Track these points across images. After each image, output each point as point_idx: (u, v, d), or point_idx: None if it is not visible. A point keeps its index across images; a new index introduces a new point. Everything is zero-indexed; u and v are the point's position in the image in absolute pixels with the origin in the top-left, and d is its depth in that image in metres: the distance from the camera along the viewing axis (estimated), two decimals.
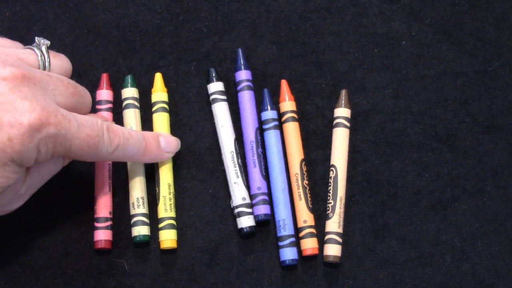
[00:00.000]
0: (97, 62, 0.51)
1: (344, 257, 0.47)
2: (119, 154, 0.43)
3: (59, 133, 0.39)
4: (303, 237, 0.47)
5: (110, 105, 0.49)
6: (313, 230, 0.47)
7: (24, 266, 0.46)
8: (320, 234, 0.47)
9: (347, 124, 0.49)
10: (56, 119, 0.39)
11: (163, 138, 0.46)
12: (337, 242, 0.47)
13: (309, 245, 0.46)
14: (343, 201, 0.47)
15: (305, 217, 0.47)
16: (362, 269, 0.47)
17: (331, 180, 0.48)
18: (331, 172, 0.48)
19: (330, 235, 0.47)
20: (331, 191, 0.48)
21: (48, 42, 0.44)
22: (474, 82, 0.52)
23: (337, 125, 0.49)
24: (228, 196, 0.48)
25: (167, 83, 0.50)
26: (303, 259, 0.47)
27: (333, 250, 0.46)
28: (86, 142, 0.41)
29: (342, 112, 0.49)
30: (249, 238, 0.48)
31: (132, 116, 0.49)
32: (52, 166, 0.42)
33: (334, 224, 0.47)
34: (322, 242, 0.47)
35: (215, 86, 0.50)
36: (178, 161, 0.49)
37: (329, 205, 0.47)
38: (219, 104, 0.49)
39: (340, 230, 0.47)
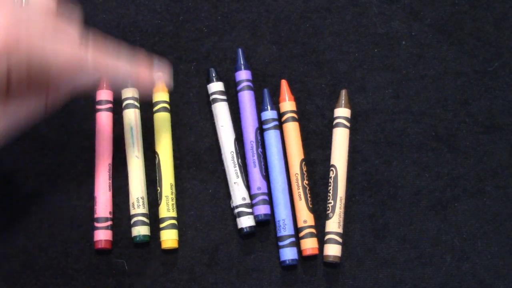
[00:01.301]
0: None
1: (344, 257, 0.47)
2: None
3: (32, 54, 0.36)
4: (303, 237, 0.47)
5: (110, 105, 0.49)
6: (313, 230, 0.47)
7: (24, 266, 0.46)
8: (320, 234, 0.47)
9: (347, 124, 0.49)
10: (28, 41, 0.36)
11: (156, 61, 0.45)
12: (337, 242, 0.47)
13: (309, 245, 0.46)
14: (343, 201, 0.47)
15: (305, 217, 0.47)
16: (362, 269, 0.47)
17: (331, 180, 0.48)
18: (331, 172, 0.48)
19: (330, 235, 0.47)
20: (331, 191, 0.48)
21: None
22: (474, 82, 0.52)
23: (337, 125, 0.49)
24: (228, 196, 0.48)
25: None
26: (303, 259, 0.47)
27: (333, 250, 0.46)
28: (67, 63, 0.38)
29: (342, 112, 0.49)
30: (249, 238, 0.48)
31: (132, 116, 0.49)
32: (24, 105, 0.39)
33: (334, 224, 0.47)
34: (322, 242, 0.47)
35: (215, 86, 0.50)
36: (178, 161, 0.49)
37: (329, 205, 0.47)
38: (219, 104, 0.49)
39: (340, 230, 0.47)
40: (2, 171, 0.48)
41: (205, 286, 0.46)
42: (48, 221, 0.47)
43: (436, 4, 0.53)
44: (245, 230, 0.47)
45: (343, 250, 0.47)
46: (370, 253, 0.47)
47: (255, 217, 0.47)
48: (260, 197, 0.47)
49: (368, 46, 0.52)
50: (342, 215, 0.47)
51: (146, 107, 0.50)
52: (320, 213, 0.48)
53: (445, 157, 0.50)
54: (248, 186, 0.48)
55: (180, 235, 0.47)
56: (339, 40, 0.52)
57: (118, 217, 0.48)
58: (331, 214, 0.47)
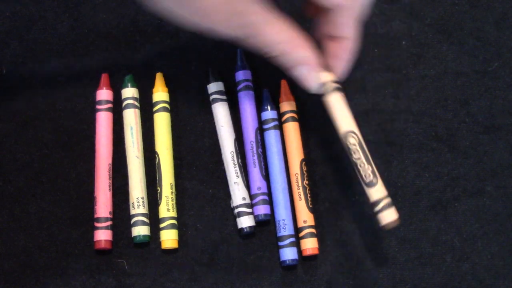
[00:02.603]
0: (97, 62, 0.51)
1: (344, 257, 0.47)
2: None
3: None
4: (303, 237, 0.47)
5: (110, 105, 0.49)
6: (313, 230, 0.47)
7: (24, 266, 0.46)
8: (320, 234, 0.47)
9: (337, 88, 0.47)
10: None
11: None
12: (391, 205, 0.43)
13: (309, 245, 0.46)
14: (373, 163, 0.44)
15: (305, 217, 0.47)
16: (362, 269, 0.47)
17: (357, 147, 0.43)
18: (352, 139, 0.44)
19: (383, 202, 0.43)
20: (360, 157, 0.43)
21: None
22: (474, 82, 0.52)
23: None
24: (228, 196, 0.48)
25: (167, 83, 0.50)
26: (303, 259, 0.47)
27: (390, 215, 0.43)
28: None
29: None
30: (249, 238, 0.48)
31: (132, 116, 0.49)
32: None
33: (381, 189, 0.43)
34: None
35: (215, 86, 0.50)
36: (178, 161, 0.49)
37: (368, 171, 0.43)
38: (219, 104, 0.49)
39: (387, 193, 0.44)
40: (2, 171, 0.48)
41: (205, 286, 0.46)
42: (48, 221, 0.47)
43: (436, 4, 0.53)
44: (245, 230, 0.47)
45: (343, 250, 0.47)
46: (370, 253, 0.47)
47: (255, 217, 0.47)
48: (260, 197, 0.47)
49: (368, 46, 0.52)
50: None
51: (146, 107, 0.50)
52: (320, 213, 0.48)
53: (445, 157, 0.50)
54: (248, 186, 0.48)
55: (180, 235, 0.47)
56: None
57: (118, 217, 0.48)
58: (374, 180, 0.43)
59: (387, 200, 0.43)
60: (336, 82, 0.44)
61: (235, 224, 0.47)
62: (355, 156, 0.43)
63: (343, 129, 0.44)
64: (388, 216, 0.43)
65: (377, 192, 0.43)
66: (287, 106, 0.49)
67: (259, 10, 0.41)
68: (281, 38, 0.43)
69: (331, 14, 0.43)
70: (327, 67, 0.44)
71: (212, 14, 0.40)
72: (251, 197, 0.47)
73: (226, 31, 0.42)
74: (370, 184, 0.43)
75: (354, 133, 0.44)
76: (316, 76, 0.44)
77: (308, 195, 0.47)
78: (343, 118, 0.44)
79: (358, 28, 0.44)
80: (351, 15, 0.43)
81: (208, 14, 0.40)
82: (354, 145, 0.44)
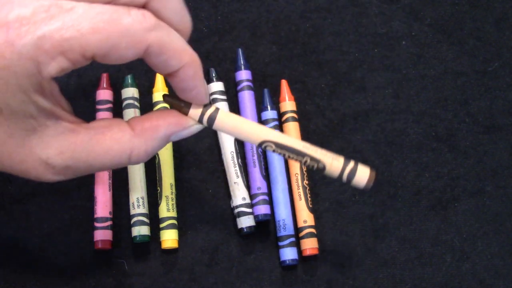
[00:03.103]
0: (97, 62, 0.51)
1: (344, 257, 0.47)
2: None
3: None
4: (303, 237, 0.47)
5: (110, 105, 0.49)
6: (313, 230, 0.47)
7: (24, 266, 0.46)
8: (320, 234, 0.47)
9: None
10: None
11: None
12: (357, 164, 0.38)
13: (309, 245, 0.46)
14: None
15: (305, 217, 0.47)
16: (362, 269, 0.47)
17: (280, 150, 0.38)
18: (269, 148, 0.38)
19: (347, 169, 0.38)
20: (291, 156, 0.38)
21: None
22: (474, 82, 0.52)
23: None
24: (228, 196, 0.48)
25: (167, 83, 0.50)
26: (303, 259, 0.47)
27: (363, 174, 0.38)
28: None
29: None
30: (249, 238, 0.48)
31: (132, 116, 0.49)
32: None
33: (335, 162, 0.38)
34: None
35: (215, 86, 0.50)
36: (178, 161, 0.49)
37: (308, 161, 0.38)
38: (219, 104, 0.49)
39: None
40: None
41: (205, 286, 0.46)
42: (48, 221, 0.47)
43: (436, 4, 0.53)
44: (245, 230, 0.47)
45: (343, 250, 0.47)
46: (370, 253, 0.47)
47: (255, 217, 0.47)
48: (260, 197, 0.47)
49: (368, 46, 0.52)
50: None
51: (146, 107, 0.50)
52: (320, 213, 0.48)
53: (445, 157, 0.50)
54: (248, 186, 0.48)
55: (180, 235, 0.47)
56: (339, 40, 0.52)
57: (118, 217, 0.48)
58: (320, 164, 0.38)
59: (350, 165, 0.38)
60: (207, 104, 0.38)
61: (235, 224, 0.47)
62: (286, 157, 0.38)
63: (255, 145, 0.39)
64: (362, 176, 0.38)
65: (334, 167, 0.38)
66: (287, 106, 0.49)
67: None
68: (127, 146, 0.36)
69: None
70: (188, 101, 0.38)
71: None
72: (251, 197, 0.47)
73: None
74: (321, 170, 0.38)
75: (264, 141, 0.38)
76: (191, 124, 0.38)
77: (308, 195, 0.47)
78: (243, 133, 0.38)
79: (191, 48, 0.38)
80: (178, 42, 0.37)
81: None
82: (275, 150, 0.38)
